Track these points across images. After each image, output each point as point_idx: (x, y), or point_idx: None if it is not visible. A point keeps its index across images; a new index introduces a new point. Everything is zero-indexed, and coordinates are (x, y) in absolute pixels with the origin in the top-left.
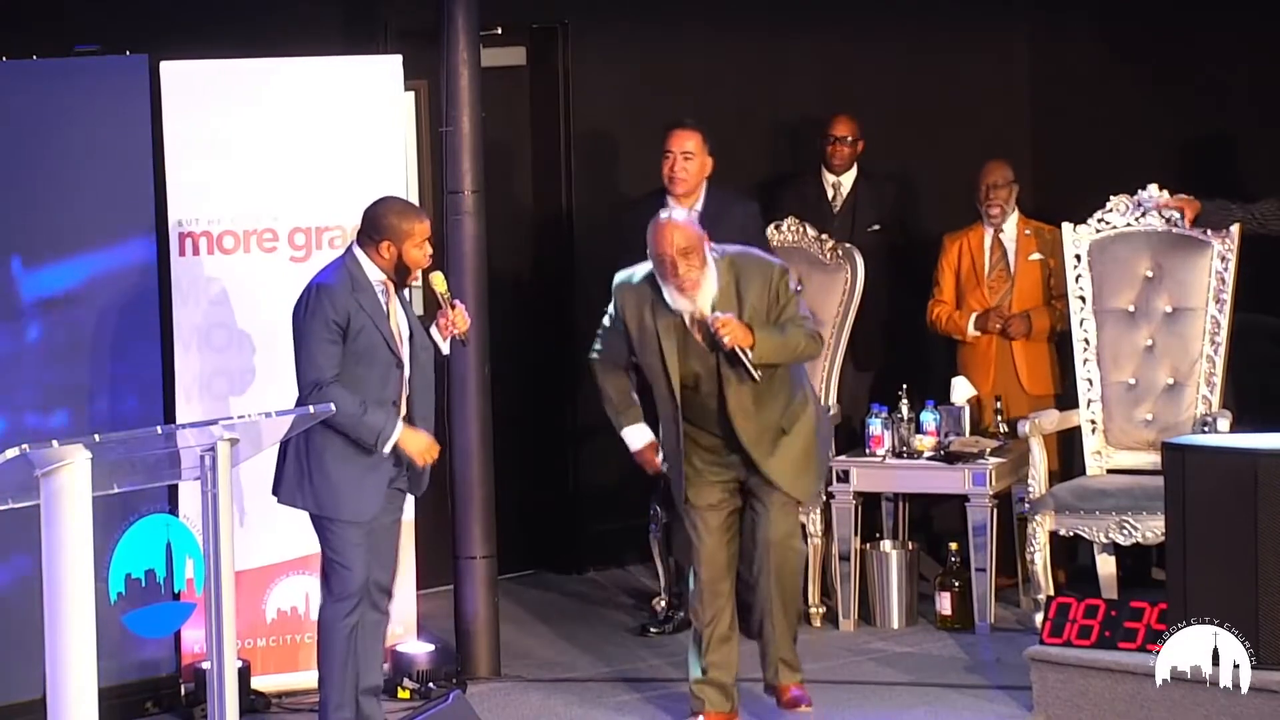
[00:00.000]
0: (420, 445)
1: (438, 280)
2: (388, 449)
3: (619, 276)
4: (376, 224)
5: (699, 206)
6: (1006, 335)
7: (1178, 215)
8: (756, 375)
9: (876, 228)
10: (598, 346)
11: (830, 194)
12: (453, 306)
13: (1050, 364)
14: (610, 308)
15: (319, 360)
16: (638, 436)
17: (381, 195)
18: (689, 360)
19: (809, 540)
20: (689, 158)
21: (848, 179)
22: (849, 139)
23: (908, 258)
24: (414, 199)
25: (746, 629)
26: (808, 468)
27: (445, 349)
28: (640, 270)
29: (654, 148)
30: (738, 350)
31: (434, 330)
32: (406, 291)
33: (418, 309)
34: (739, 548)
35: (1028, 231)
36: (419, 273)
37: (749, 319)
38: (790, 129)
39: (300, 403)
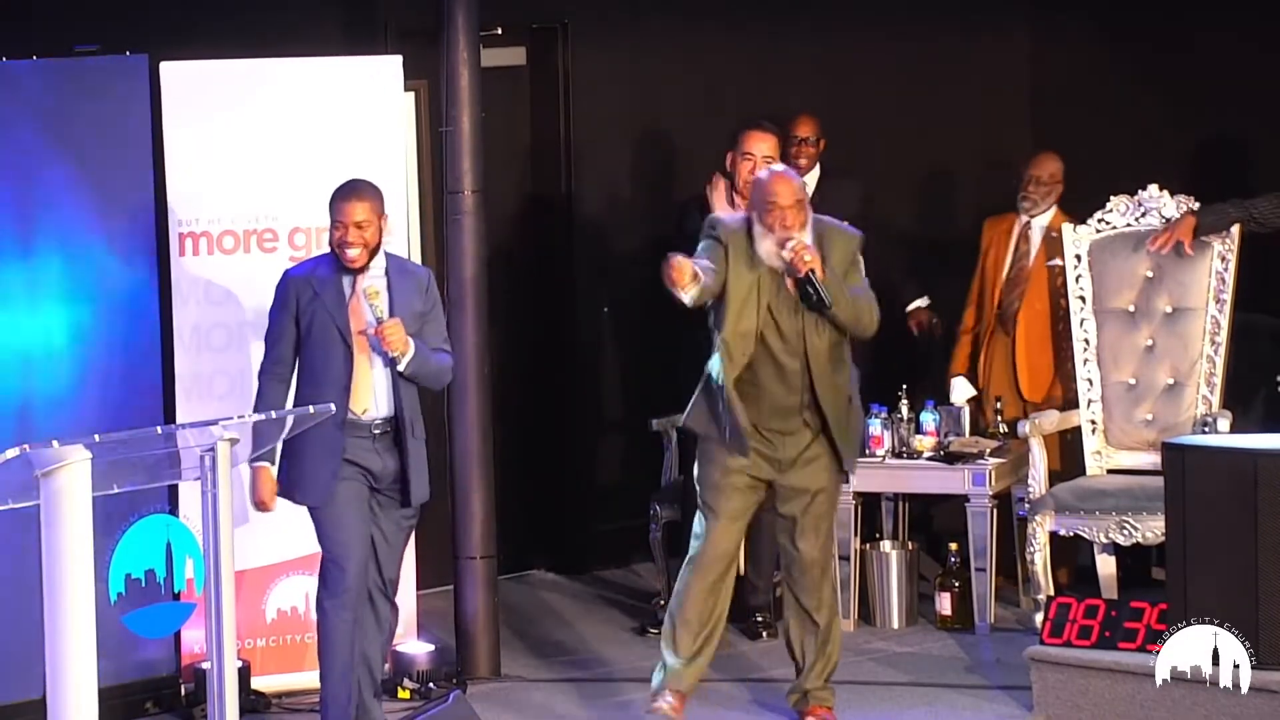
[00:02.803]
0: (260, 494)
1: (370, 292)
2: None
3: (715, 215)
4: None
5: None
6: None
7: (1179, 247)
8: (828, 298)
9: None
10: None
11: None
12: (378, 322)
13: (1052, 369)
14: (703, 241)
15: (266, 343)
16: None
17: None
18: (778, 314)
19: None
20: (769, 162)
21: (811, 179)
22: (812, 139)
23: (895, 256)
24: (414, 199)
25: (749, 631)
26: (857, 440)
27: (400, 365)
28: (733, 217)
29: (654, 147)
30: (811, 275)
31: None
32: (411, 286)
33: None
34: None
35: (1055, 234)
36: (351, 258)
37: (833, 273)
38: (789, 122)
39: None
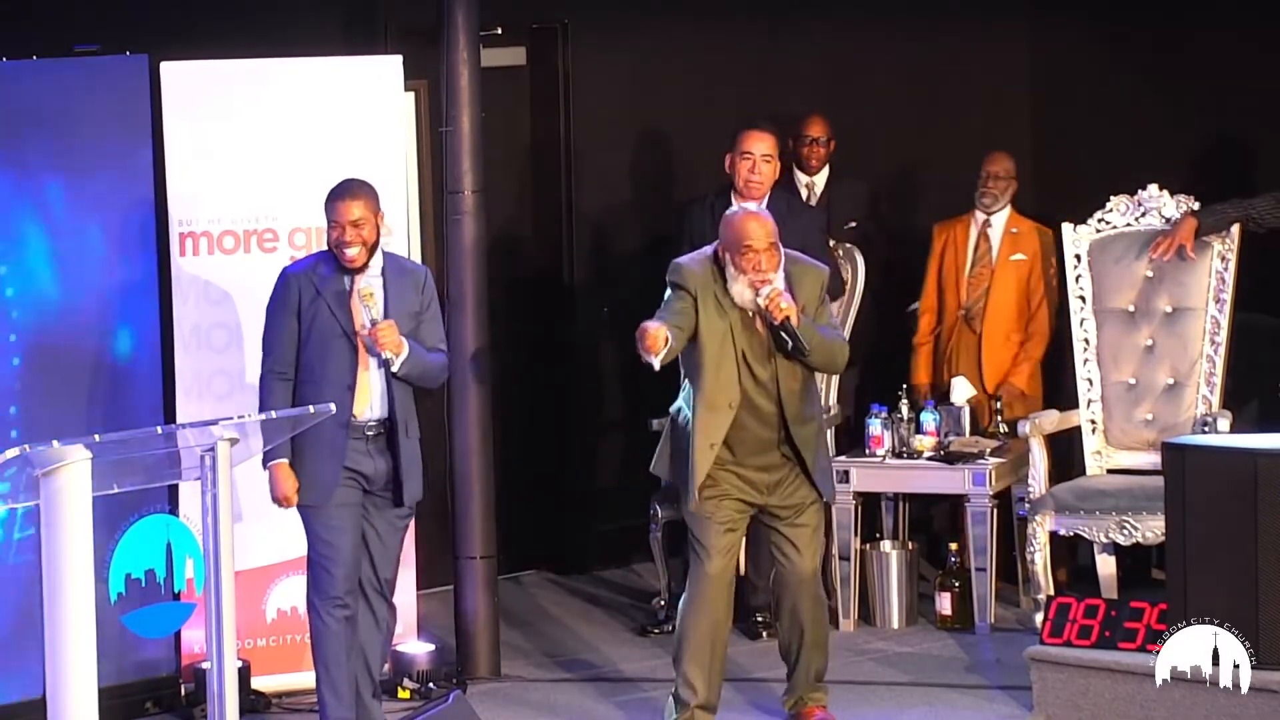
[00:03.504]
0: (280, 489)
1: (365, 295)
2: (262, 467)
3: (679, 261)
4: None
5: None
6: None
7: (1181, 251)
8: (806, 347)
9: (853, 225)
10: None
11: (805, 195)
12: (370, 323)
13: (1012, 359)
14: (670, 290)
15: (266, 346)
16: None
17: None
18: (753, 360)
19: None
20: (768, 160)
21: (821, 179)
22: (823, 139)
23: (896, 255)
24: (414, 199)
25: (749, 631)
26: (829, 466)
27: (393, 366)
28: (698, 258)
29: (654, 147)
30: (786, 324)
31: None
32: (408, 285)
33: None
34: (765, 555)
35: (1015, 230)
36: (350, 258)
37: (801, 308)
38: (791, 129)
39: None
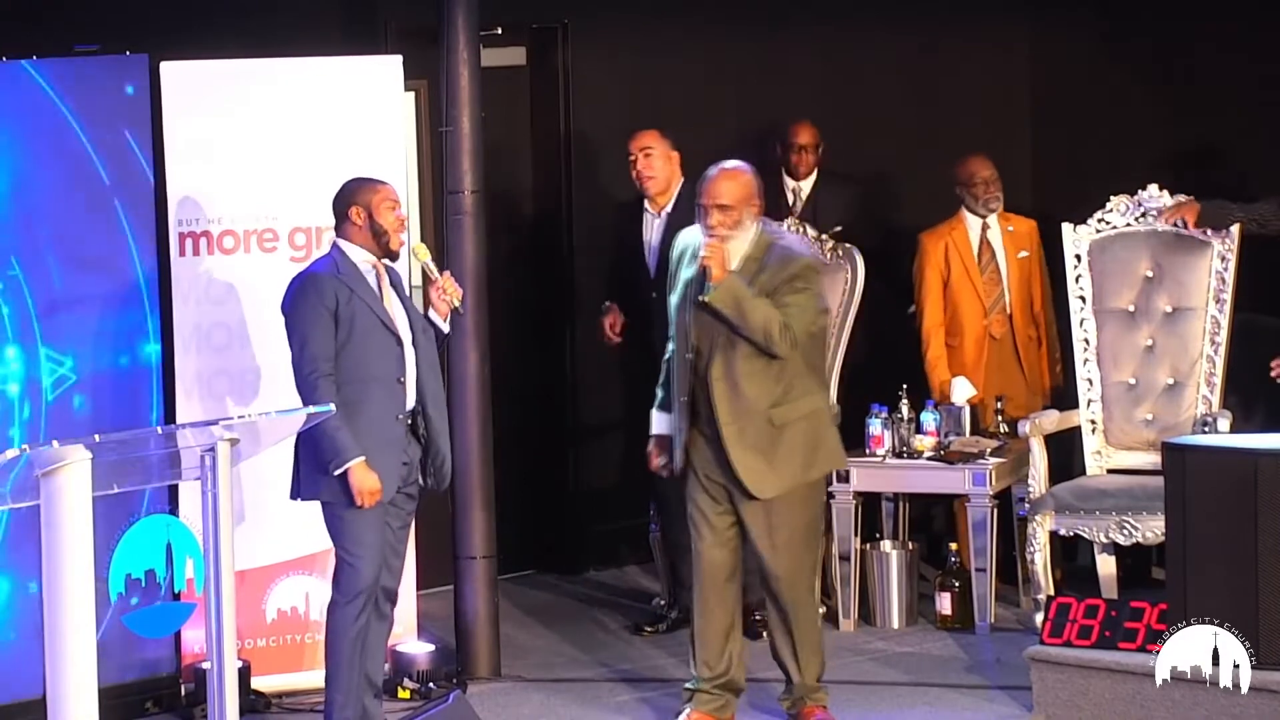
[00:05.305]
0: (367, 485)
1: (421, 250)
2: (335, 472)
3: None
4: (343, 197)
5: (669, 208)
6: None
7: (1182, 223)
8: (706, 295)
9: (839, 229)
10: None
11: (790, 199)
12: (440, 275)
13: (1046, 359)
14: None
15: (311, 350)
16: (656, 423)
17: None
18: (697, 319)
19: None
20: (649, 153)
21: (807, 184)
22: (811, 145)
23: (894, 256)
24: (414, 199)
25: (749, 630)
26: (777, 467)
27: (445, 327)
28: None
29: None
30: (704, 271)
31: (432, 313)
32: (406, 286)
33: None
34: (743, 555)
35: (1010, 228)
36: (401, 242)
37: (756, 291)
38: (789, 128)
39: (299, 392)
